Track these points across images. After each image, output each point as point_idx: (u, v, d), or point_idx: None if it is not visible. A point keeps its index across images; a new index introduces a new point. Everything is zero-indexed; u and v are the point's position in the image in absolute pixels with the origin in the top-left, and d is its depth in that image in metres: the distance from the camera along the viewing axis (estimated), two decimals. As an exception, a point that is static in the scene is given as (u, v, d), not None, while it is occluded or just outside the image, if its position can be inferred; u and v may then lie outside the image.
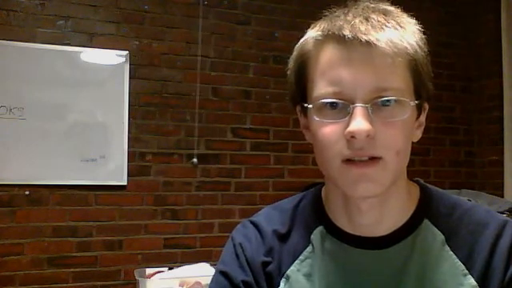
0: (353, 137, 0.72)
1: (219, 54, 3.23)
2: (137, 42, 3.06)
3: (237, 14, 3.29)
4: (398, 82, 0.74)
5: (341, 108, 0.74)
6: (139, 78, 3.05)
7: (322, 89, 0.75)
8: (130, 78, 3.02)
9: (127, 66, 3.02)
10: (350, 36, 0.72)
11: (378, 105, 0.73)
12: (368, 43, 0.72)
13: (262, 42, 3.32)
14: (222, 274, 0.86)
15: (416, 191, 0.85)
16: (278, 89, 3.26)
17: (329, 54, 0.75)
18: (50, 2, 2.90)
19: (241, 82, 3.27)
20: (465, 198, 1.06)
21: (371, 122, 0.72)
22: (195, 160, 3.12)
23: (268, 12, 3.36)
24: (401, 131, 0.75)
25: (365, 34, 0.72)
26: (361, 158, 0.73)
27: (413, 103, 0.76)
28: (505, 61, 3.47)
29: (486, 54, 3.70)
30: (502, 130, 3.49)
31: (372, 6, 0.77)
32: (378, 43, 0.72)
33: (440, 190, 0.88)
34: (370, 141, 0.72)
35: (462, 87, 3.78)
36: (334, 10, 0.79)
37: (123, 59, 3.02)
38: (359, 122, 0.71)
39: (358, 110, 0.72)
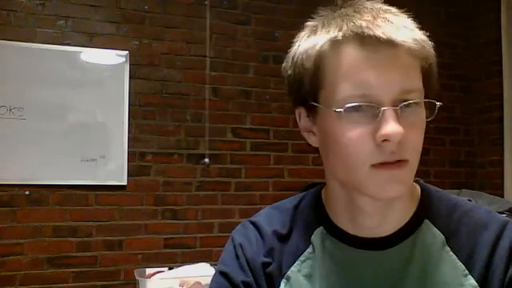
0: (385, 140, 0.71)
1: (219, 53, 3.23)
2: (137, 42, 3.06)
3: (237, 13, 3.29)
4: (419, 82, 0.74)
5: (365, 111, 0.72)
6: (139, 78, 3.05)
7: (346, 91, 0.72)
8: (129, 77, 3.02)
9: (127, 66, 3.02)
10: (377, 36, 0.71)
11: (402, 107, 0.72)
12: (393, 44, 0.71)
13: (262, 42, 3.32)
14: (222, 274, 0.85)
15: (416, 191, 0.85)
16: (278, 89, 3.26)
17: (353, 56, 0.73)
18: (49, 2, 2.90)
19: (241, 82, 3.27)
20: (465, 198, 1.05)
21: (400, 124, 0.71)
22: (207, 160, 3.12)
23: (268, 12, 3.36)
24: (421, 132, 0.75)
25: (390, 35, 0.71)
26: (390, 160, 0.72)
27: (439, 104, 0.75)
28: (505, 61, 3.47)
29: (486, 54, 3.70)
30: (502, 129, 3.49)
31: (377, 6, 0.76)
32: (404, 44, 0.71)
33: (440, 190, 0.88)
34: (398, 144, 0.71)
35: (462, 87, 3.78)
36: (327, 11, 0.78)
37: (123, 59, 3.02)
38: (393, 126, 0.70)
39: (390, 113, 0.71)
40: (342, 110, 0.72)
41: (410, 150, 0.73)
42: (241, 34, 3.29)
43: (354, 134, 0.72)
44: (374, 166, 0.73)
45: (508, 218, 0.82)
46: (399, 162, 0.72)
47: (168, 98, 3.12)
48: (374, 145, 0.72)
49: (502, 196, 3.30)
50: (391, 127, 0.70)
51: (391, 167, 0.72)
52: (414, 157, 0.74)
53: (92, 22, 2.98)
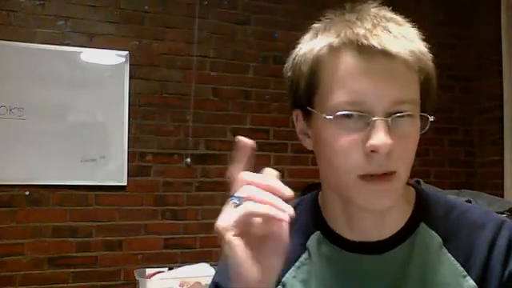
0: (374, 151, 0.70)
1: (219, 54, 3.23)
2: (137, 42, 3.06)
3: (237, 13, 3.29)
4: (414, 94, 0.73)
5: (357, 119, 0.71)
6: (139, 78, 3.05)
7: (339, 99, 0.72)
8: (130, 77, 3.02)
9: (127, 66, 3.02)
10: (372, 45, 0.70)
11: (394, 118, 0.71)
12: (390, 54, 0.70)
13: (262, 42, 3.32)
14: (216, 286, 0.85)
15: (412, 194, 0.85)
16: (278, 89, 3.26)
17: (348, 63, 0.72)
18: (49, 2, 2.90)
19: (241, 82, 3.27)
20: (465, 199, 1.05)
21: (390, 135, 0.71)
22: (188, 160, 3.12)
23: (268, 12, 3.36)
24: (413, 144, 0.74)
25: (387, 45, 0.70)
26: (377, 172, 0.72)
27: (432, 119, 0.74)
28: (505, 61, 3.47)
29: (486, 54, 3.70)
30: (502, 129, 3.48)
31: (381, 14, 0.75)
32: (400, 55, 0.70)
33: (436, 191, 0.88)
34: (387, 155, 0.71)
35: (462, 87, 3.78)
36: (334, 15, 0.77)
37: (123, 59, 3.02)
38: (382, 137, 0.69)
39: (380, 124, 0.70)
40: (331, 117, 0.72)
41: (398, 161, 0.72)
42: (241, 34, 3.29)
43: (344, 142, 0.72)
44: (360, 176, 0.72)
45: (504, 218, 0.82)
46: (387, 175, 0.72)
47: (168, 97, 3.11)
48: (363, 154, 0.71)
49: (502, 196, 3.30)
50: (380, 138, 0.69)
51: (378, 182, 0.72)
52: (402, 168, 0.73)
53: (92, 22, 2.98)
